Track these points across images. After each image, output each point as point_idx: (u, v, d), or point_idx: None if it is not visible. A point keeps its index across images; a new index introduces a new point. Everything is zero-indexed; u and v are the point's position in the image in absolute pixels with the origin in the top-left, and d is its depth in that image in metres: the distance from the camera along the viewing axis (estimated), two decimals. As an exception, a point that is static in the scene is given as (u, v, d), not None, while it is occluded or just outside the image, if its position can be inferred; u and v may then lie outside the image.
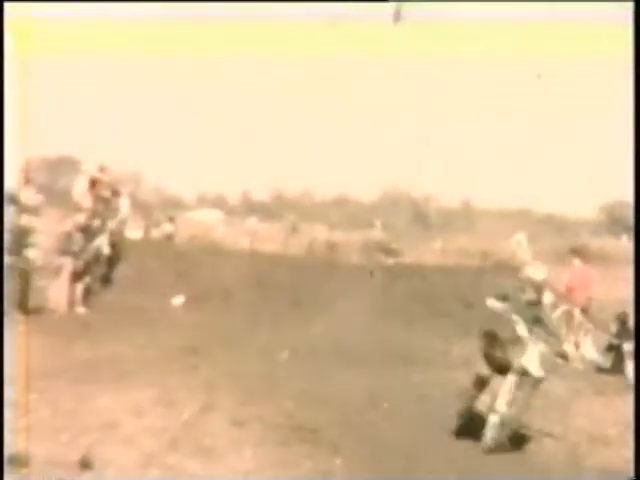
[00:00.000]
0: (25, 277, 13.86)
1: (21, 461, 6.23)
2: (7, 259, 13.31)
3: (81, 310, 14.86)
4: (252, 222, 33.41)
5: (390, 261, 22.90)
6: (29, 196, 15.09)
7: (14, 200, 14.33)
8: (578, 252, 16.93)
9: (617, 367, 13.33)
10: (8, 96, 10.38)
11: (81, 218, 15.55)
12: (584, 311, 15.33)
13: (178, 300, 16.82)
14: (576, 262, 16.37)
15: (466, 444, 8.03)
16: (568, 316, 16.07)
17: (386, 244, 24.84)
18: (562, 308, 16.28)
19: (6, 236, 13.53)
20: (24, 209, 14.53)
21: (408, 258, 25.62)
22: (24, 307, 13.31)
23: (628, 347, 13.10)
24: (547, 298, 15.17)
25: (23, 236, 14.08)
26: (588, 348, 14.34)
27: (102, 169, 17.12)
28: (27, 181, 15.40)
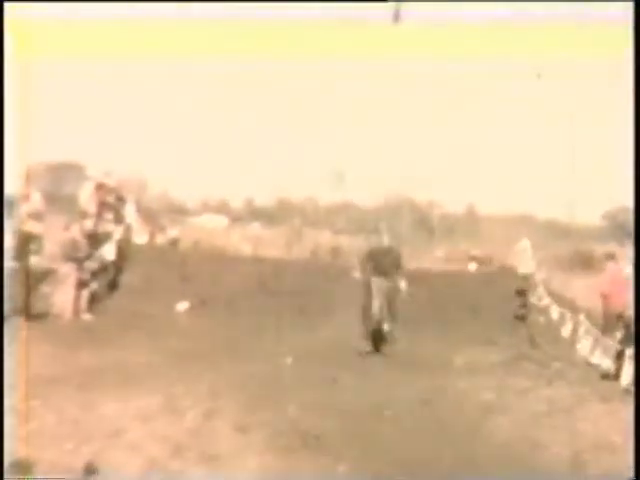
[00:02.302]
0: (28, 283, 13.88)
1: (23, 468, 6.24)
2: (11, 264, 13.35)
3: (86, 316, 14.88)
4: (256, 227, 33.50)
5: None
6: (33, 201, 15.13)
7: (17, 206, 14.37)
8: (611, 255, 16.13)
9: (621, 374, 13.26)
10: (8, 96, 10.39)
11: (87, 224, 15.59)
12: (620, 317, 14.59)
13: (183, 306, 16.85)
14: (610, 265, 15.75)
15: (470, 450, 8.02)
16: (575, 323, 16.07)
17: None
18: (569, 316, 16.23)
19: (10, 242, 13.57)
20: (28, 215, 14.56)
21: (412, 264, 25.64)
22: (27, 313, 13.32)
23: (629, 352, 13.04)
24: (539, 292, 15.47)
25: (27, 242, 14.10)
26: (594, 352, 14.28)
27: (107, 174, 17.16)
28: (31, 186, 15.41)
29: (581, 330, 15.52)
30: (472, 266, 24.12)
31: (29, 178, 15.54)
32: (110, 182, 17.31)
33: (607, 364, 13.43)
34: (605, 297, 15.31)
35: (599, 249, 32.71)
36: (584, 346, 14.84)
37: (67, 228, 15.27)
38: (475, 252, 26.49)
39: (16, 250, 13.69)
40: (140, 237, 20.88)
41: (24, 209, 14.60)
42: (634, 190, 10.27)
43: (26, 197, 14.94)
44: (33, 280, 14.16)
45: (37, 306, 14.04)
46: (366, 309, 13.97)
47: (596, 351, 14.19)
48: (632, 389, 10.97)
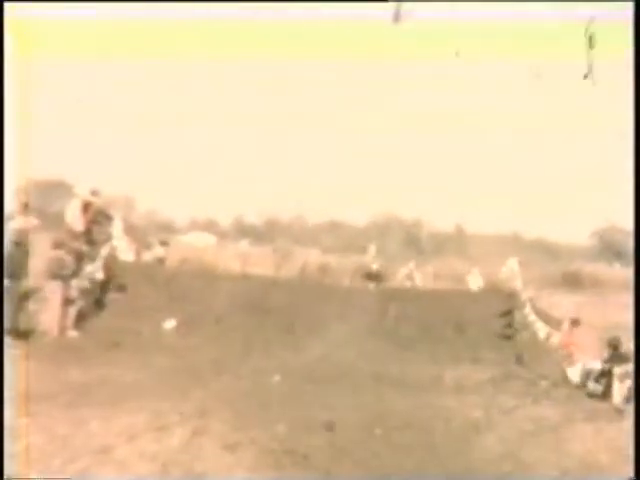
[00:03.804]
0: (17, 301, 13.83)
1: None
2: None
3: (73, 334, 14.80)
4: (244, 246, 33.50)
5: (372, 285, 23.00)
6: (25, 220, 15.04)
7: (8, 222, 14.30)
8: (577, 322, 16.67)
9: (609, 393, 13.27)
10: (8, 96, 10.41)
11: (73, 242, 15.52)
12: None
13: (170, 324, 16.79)
14: (574, 330, 16.31)
15: (457, 467, 8.01)
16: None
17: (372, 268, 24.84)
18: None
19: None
20: (20, 233, 14.49)
21: (401, 282, 25.68)
22: (16, 331, 13.27)
23: (619, 371, 13.07)
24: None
25: (18, 259, 14.05)
26: (574, 373, 14.32)
27: (95, 192, 17.10)
28: (25, 204, 15.28)
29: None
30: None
31: (23, 195, 15.45)
32: (97, 200, 17.25)
33: (593, 383, 13.50)
34: (569, 347, 15.70)
35: (587, 268, 32.88)
36: (570, 365, 14.89)
37: (54, 245, 15.20)
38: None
39: (6, 268, 13.60)
40: (127, 255, 20.79)
41: (13, 225, 14.53)
42: (634, 194, 10.28)
43: (19, 215, 14.85)
44: (19, 298, 14.09)
45: (23, 324, 13.97)
46: None
47: (582, 370, 14.24)
48: (624, 408, 11.03)
